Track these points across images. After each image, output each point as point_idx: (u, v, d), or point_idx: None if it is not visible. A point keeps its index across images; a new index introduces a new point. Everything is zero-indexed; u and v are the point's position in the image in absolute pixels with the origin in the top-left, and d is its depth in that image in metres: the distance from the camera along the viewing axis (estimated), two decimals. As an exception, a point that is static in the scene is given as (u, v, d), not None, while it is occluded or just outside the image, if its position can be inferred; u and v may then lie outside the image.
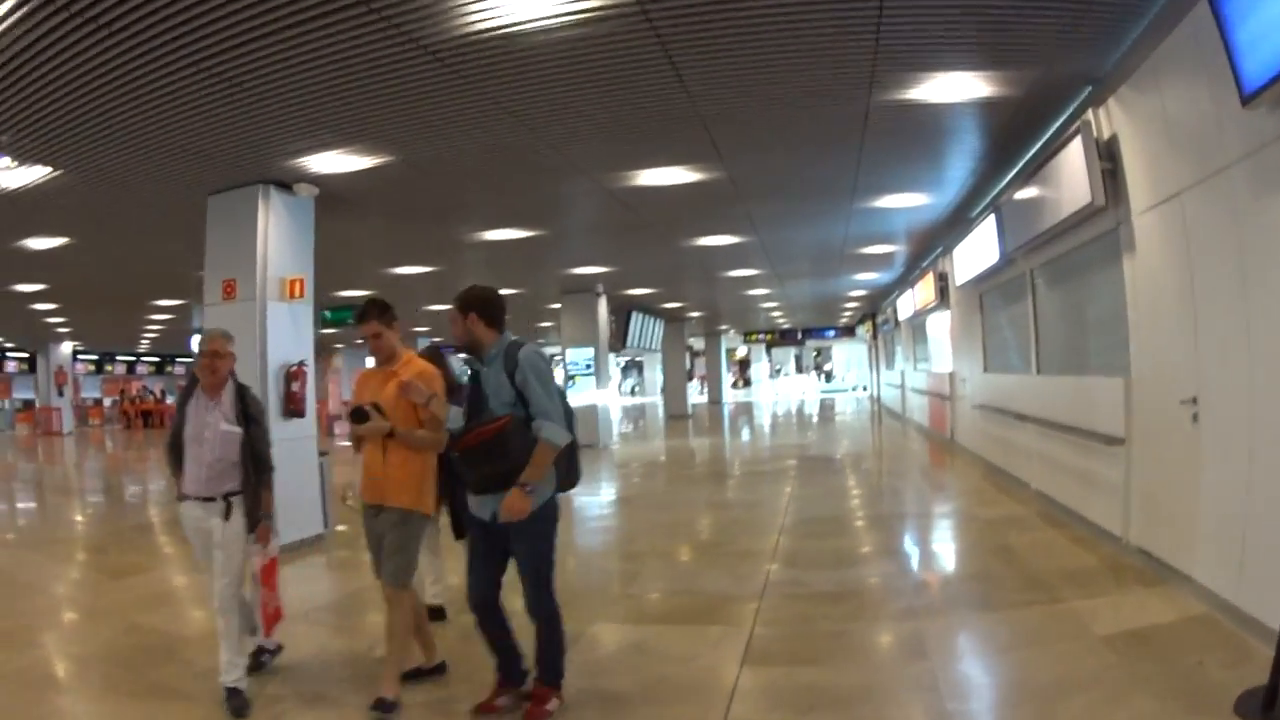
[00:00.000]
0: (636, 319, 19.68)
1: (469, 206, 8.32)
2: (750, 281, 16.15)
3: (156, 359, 32.13)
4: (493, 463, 3.17)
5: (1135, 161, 4.97)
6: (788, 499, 8.53)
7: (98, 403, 32.79)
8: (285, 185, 7.20)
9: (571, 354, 16.21)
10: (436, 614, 4.52)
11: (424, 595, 4.46)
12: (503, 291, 3.51)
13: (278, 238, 7.28)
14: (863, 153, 6.88)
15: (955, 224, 10.21)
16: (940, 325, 13.82)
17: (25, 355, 26.67)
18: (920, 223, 10.29)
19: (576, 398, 16.13)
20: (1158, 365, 4.84)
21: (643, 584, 5.47)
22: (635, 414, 29.15)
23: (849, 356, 45.92)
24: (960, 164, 7.53)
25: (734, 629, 4.28)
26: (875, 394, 29.13)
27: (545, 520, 3.30)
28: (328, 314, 18.66)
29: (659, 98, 5.31)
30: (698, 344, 36.61)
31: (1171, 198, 4.42)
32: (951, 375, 12.34)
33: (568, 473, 3.40)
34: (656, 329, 22.11)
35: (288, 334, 7.31)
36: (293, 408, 7.17)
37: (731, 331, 33.97)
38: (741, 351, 48.51)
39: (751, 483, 10.38)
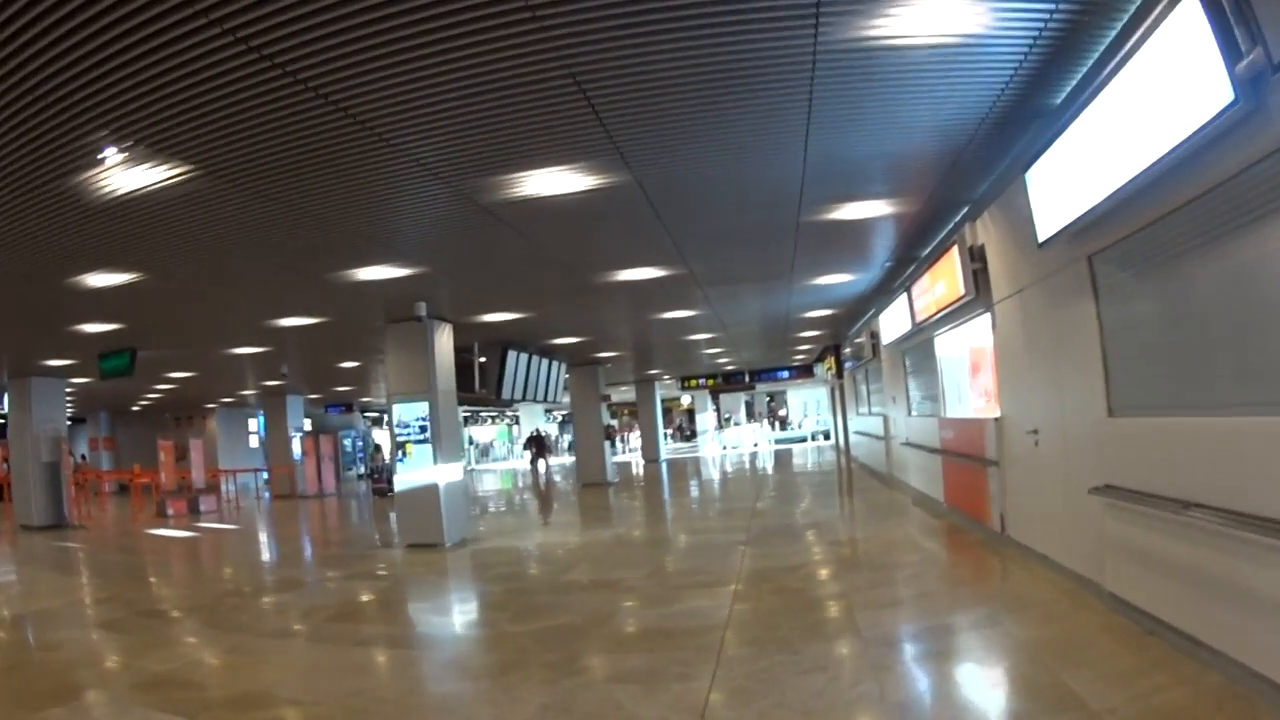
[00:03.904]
0: (515, 360, 14.24)
1: None
2: (663, 294, 10.83)
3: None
4: None
5: None
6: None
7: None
8: None
9: (399, 410, 10.64)
10: None
11: None
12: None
13: None
14: None
15: (1028, 118, 5.15)
16: (960, 342, 8.70)
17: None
18: (948, 127, 5.17)
19: (406, 475, 10.56)
20: None
21: None
22: (557, 478, 23.38)
23: (805, 401, 41.15)
24: None
25: None
26: (840, 444, 23.99)
27: None
28: (105, 365, 12.79)
29: None
30: (627, 393, 31.20)
31: None
32: (998, 422, 7.16)
33: None
34: (555, 374, 16.66)
35: None
36: None
37: (667, 377, 28.70)
38: (685, 400, 43.44)
39: (636, 670, 4.76)
